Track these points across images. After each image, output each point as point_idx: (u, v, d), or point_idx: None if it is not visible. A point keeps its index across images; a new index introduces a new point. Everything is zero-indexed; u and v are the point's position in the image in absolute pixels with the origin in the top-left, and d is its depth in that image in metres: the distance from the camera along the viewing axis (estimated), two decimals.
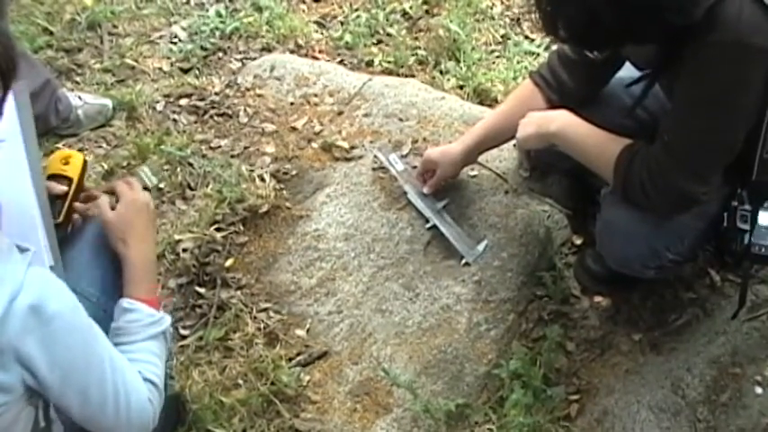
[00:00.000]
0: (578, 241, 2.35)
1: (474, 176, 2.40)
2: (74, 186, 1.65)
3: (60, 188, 1.64)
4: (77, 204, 1.66)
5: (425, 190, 2.33)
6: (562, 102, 2.06)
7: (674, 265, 1.96)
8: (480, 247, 2.27)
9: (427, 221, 2.32)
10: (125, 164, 2.64)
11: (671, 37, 1.64)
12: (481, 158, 2.33)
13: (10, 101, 1.57)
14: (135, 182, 1.67)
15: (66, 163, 1.67)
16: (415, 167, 2.40)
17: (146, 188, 2.26)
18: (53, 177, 1.65)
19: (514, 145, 2.42)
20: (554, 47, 2.15)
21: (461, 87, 2.90)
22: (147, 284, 1.58)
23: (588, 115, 2.07)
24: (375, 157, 2.47)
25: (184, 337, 2.23)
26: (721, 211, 1.85)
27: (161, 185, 2.56)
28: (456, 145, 2.27)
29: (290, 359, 2.16)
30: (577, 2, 1.57)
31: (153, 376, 1.48)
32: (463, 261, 2.27)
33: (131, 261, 1.56)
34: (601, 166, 1.89)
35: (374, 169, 2.47)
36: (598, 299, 2.26)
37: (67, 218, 1.64)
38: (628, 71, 1.97)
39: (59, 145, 2.71)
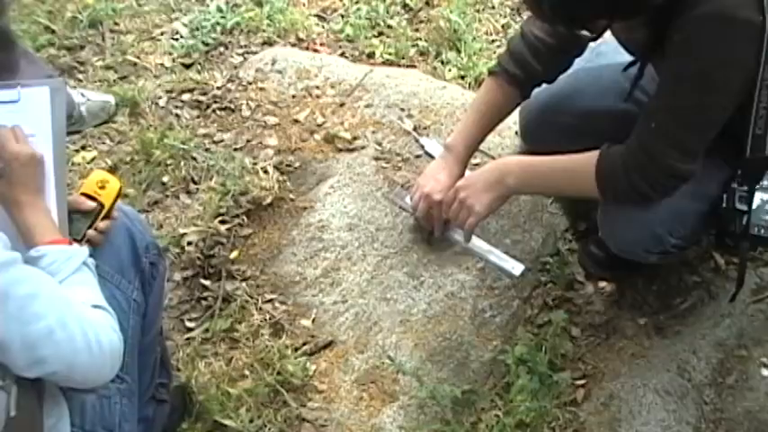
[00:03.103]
0: (582, 227, 2.35)
1: (476, 165, 2.40)
2: (103, 213, 1.64)
3: (89, 204, 1.63)
4: (90, 232, 1.63)
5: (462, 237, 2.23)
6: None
7: (678, 251, 1.96)
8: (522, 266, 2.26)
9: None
10: (129, 159, 2.64)
11: (657, 13, 1.64)
12: (482, 146, 2.33)
13: (46, 96, 1.59)
14: (20, 131, 1.55)
15: (102, 187, 1.64)
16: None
17: None
18: (85, 197, 1.64)
19: (516, 132, 2.43)
20: (510, 37, 2.15)
21: (463, 77, 2.90)
22: (50, 228, 1.50)
23: (591, 104, 2.09)
24: (392, 202, 2.40)
25: (190, 330, 2.24)
26: (721, 193, 1.84)
27: (164, 180, 2.56)
28: (445, 174, 2.17)
29: (296, 349, 2.16)
30: None
31: (98, 302, 1.46)
32: (518, 274, 2.25)
33: (25, 216, 1.49)
34: (578, 190, 1.93)
35: (376, 159, 2.47)
36: (602, 284, 2.26)
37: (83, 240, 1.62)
38: (626, 57, 1.97)
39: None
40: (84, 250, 1.52)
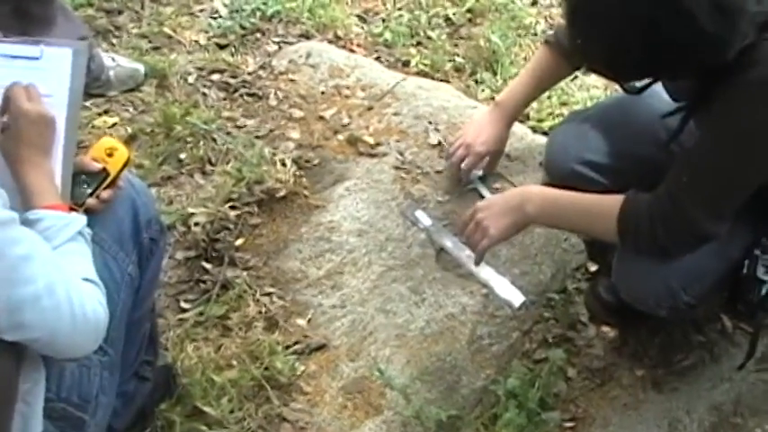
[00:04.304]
0: (593, 268, 2.31)
1: (497, 189, 2.37)
2: (108, 181, 1.60)
3: (96, 165, 1.60)
4: (91, 200, 1.60)
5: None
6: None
7: (688, 309, 1.91)
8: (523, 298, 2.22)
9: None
10: (149, 130, 2.63)
11: (705, 73, 1.61)
12: (504, 172, 2.30)
13: (68, 59, 1.57)
14: (34, 90, 1.53)
15: (111, 155, 1.61)
16: (441, 222, 2.33)
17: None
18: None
19: (540, 164, 2.40)
20: None
21: (494, 99, 2.87)
22: (51, 193, 1.47)
23: (620, 146, 2.05)
24: (402, 215, 2.37)
25: (184, 311, 2.21)
26: (743, 258, 1.81)
27: (181, 156, 2.54)
28: (491, 126, 2.29)
29: (287, 347, 2.13)
30: (606, 30, 1.54)
31: (89, 274, 1.43)
32: (517, 305, 2.21)
33: (28, 176, 1.47)
34: (597, 231, 1.90)
35: (396, 168, 2.45)
36: (605, 328, 2.22)
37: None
38: (662, 102, 1.93)
39: (87, 104, 2.69)
40: (81, 219, 1.49)
